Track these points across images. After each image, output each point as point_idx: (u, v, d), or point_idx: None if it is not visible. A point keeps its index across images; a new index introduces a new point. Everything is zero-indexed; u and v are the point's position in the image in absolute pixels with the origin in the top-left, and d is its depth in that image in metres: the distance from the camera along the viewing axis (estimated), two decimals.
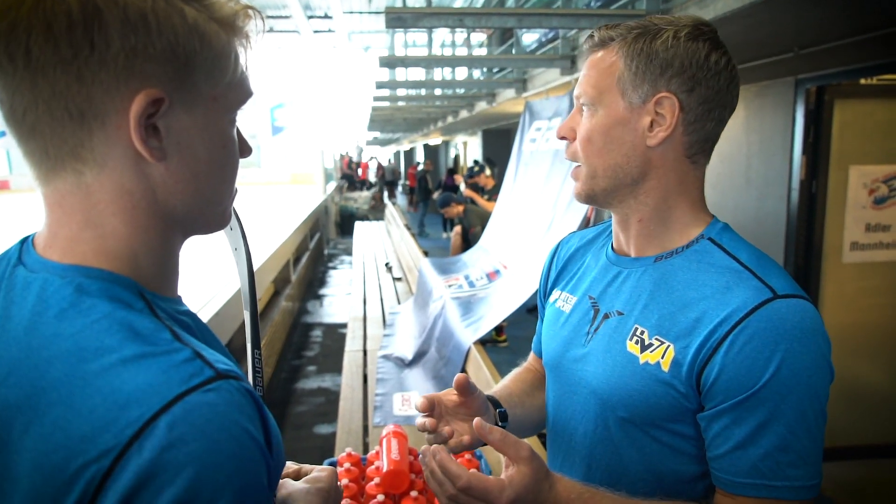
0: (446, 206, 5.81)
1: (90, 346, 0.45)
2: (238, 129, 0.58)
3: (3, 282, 0.52)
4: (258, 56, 0.56)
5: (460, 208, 5.74)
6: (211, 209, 0.56)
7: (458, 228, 5.96)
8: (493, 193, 6.56)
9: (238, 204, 0.66)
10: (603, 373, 0.83)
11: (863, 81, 3.15)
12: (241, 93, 0.55)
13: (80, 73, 0.46)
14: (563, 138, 0.86)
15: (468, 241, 5.60)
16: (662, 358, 0.77)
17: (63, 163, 0.49)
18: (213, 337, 0.59)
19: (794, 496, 0.71)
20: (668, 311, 0.79)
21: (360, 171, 22.07)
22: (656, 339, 0.78)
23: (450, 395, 0.90)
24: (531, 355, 1.13)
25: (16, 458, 0.45)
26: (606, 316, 0.86)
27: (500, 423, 0.94)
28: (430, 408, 0.87)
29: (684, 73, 0.76)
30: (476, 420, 0.73)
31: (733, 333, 0.72)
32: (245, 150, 0.59)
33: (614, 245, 0.91)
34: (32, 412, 0.44)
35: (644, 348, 0.79)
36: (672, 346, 0.77)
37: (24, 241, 0.54)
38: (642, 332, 0.80)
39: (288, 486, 0.68)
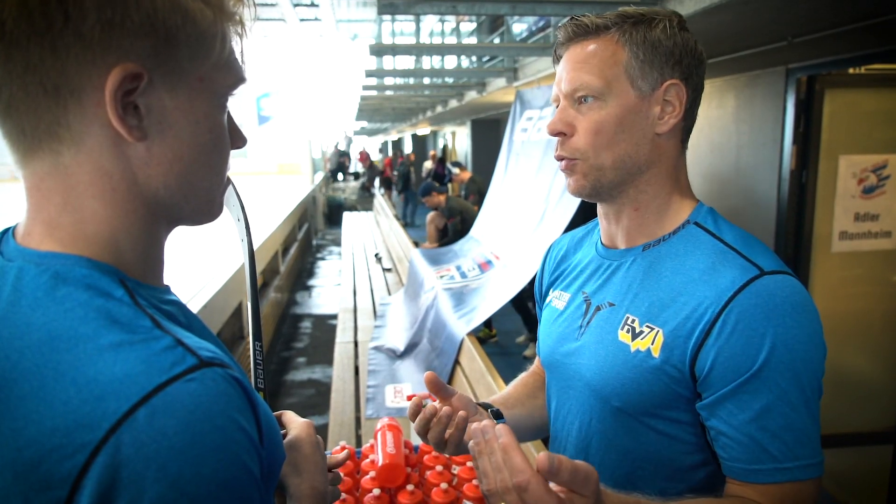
0: (427, 196, 5.86)
1: (63, 336, 0.43)
2: (230, 118, 0.55)
3: None
4: (247, 44, 0.54)
5: (441, 198, 5.78)
6: (196, 197, 0.53)
7: (433, 214, 6.02)
8: (469, 190, 6.70)
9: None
10: (595, 364, 0.83)
11: (851, 71, 3.17)
12: (229, 76, 0.53)
13: (54, 46, 0.44)
14: (558, 134, 0.83)
15: (447, 231, 5.70)
16: (653, 344, 0.77)
17: (40, 142, 0.47)
18: (202, 326, 0.57)
19: (805, 475, 0.71)
20: (658, 298, 0.79)
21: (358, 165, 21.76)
22: (647, 326, 0.78)
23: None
24: (537, 359, 1.12)
25: None
26: (598, 308, 0.86)
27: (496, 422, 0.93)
28: (419, 406, 0.86)
29: (682, 61, 0.79)
30: (541, 456, 0.61)
31: (724, 314, 0.72)
32: (238, 139, 0.56)
33: (603, 240, 0.91)
34: (3, 405, 0.42)
35: (635, 336, 0.79)
36: (661, 332, 0.76)
37: (3, 231, 0.52)
38: (633, 321, 0.80)
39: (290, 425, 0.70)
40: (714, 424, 0.74)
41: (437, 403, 0.88)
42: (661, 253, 0.82)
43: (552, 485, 0.62)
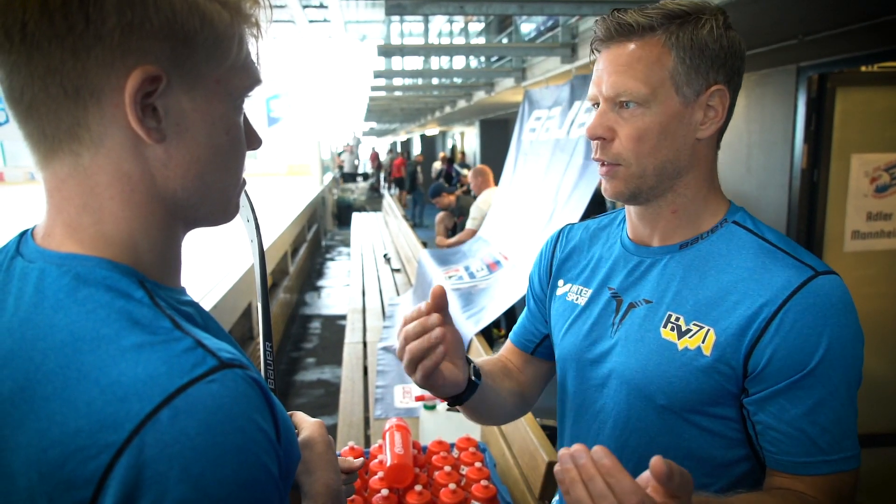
0: (437, 197, 5.86)
1: (86, 337, 0.43)
2: (246, 119, 0.56)
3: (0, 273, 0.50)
4: (262, 45, 0.55)
5: (451, 198, 5.79)
6: (213, 198, 0.54)
7: (442, 215, 6.02)
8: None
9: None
10: (637, 362, 0.82)
11: (863, 69, 3.13)
12: (246, 78, 0.53)
13: (74, 49, 0.45)
14: (598, 138, 0.80)
15: (456, 231, 5.69)
16: (703, 342, 0.77)
17: (60, 143, 0.48)
18: (218, 327, 0.57)
19: (848, 466, 0.73)
20: (704, 296, 0.79)
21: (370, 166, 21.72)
22: (694, 324, 0.78)
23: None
24: (507, 345, 1.09)
25: (10, 455, 0.43)
26: (632, 305, 0.85)
27: (473, 378, 0.87)
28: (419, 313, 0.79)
29: (727, 63, 0.78)
30: (655, 461, 0.58)
31: (781, 312, 0.73)
32: (253, 141, 0.57)
33: (630, 235, 0.89)
34: (27, 406, 0.43)
35: (682, 334, 0.79)
36: (713, 330, 0.77)
37: (23, 233, 0.53)
38: (677, 319, 0.80)
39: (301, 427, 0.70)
40: (763, 419, 0.75)
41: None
42: (702, 251, 0.82)
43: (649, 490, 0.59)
